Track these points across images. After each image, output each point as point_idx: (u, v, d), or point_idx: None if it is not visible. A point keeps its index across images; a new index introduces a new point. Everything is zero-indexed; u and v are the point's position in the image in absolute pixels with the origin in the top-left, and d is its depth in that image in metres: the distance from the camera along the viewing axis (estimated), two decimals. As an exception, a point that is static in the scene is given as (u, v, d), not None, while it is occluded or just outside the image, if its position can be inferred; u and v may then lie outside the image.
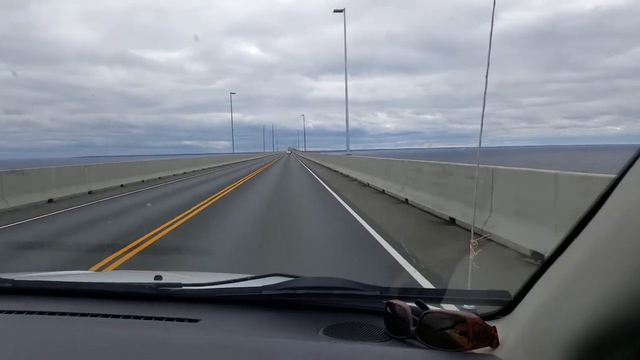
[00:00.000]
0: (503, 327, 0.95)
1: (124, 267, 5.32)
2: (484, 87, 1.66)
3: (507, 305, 0.99)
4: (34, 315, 1.26)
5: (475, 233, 2.36)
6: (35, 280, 1.61)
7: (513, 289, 0.99)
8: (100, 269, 5.09)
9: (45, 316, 1.25)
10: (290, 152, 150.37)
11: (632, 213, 0.63)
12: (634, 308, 0.62)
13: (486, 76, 1.62)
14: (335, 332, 1.13)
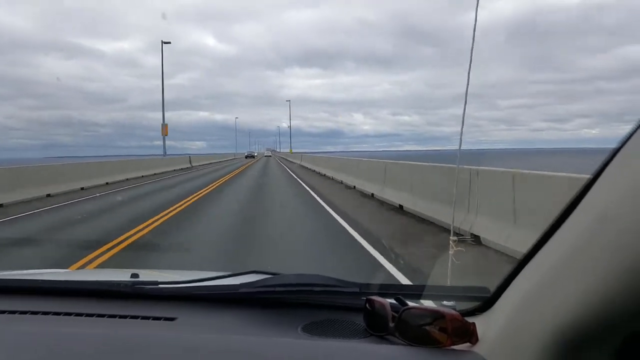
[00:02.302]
0: (482, 323, 0.95)
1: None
2: (465, 87, 1.67)
3: (487, 301, 0.99)
4: (5, 315, 1.22)
5: (455, 233, 2.38)
6: (5, 279, 1.56)
7: (492, 285, 0.99)
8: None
9: (16, 315, 1.22)
10: (270, 154, 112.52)
11: (609, 211, 0.64)
12: (611, 304, 0.62)
13: (468, 75, 1.63)
14: (314, 329, 1.12)
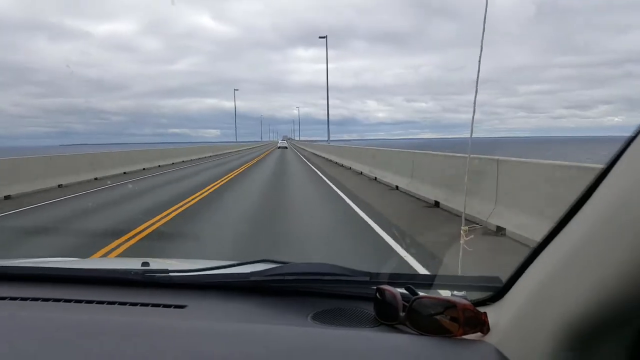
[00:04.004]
0: (494, 313, 0.94)
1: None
2: (477, 73, 1.64)
3: (498, 291, 0.98)
4: (17, 301, 1.24)
5: (466, 220, 2.37)
6: (18, 266, 1.59)
7: (504, 274, 0.98)
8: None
9: (28, 302, 1.24)
10: (285, 144, 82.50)
11: (622, 201, 0.63)
12: (623, 294, 0.61)
13: (479, 61, 1.60)
14: (324, 317, 1.12)
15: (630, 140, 0.66)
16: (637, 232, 0.59)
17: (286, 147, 71.27)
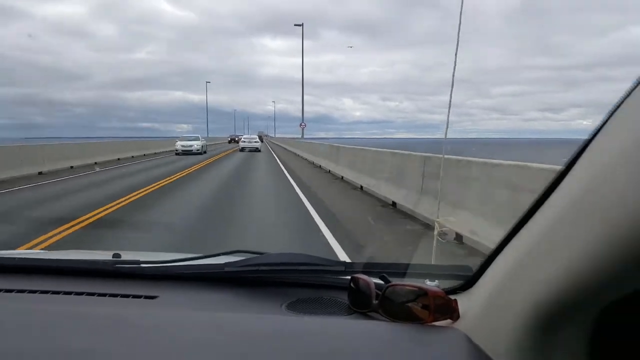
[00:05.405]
0: (464, 301, 0.96)
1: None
2: (452, 73, 1.66)
3: (469, 280, 1.00)
4: None
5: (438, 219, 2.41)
6: None
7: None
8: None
9: None
10: (255, 142, 42.06)
11: (589, 187, 0.64)
12: (590, 278, 0.63)
13: (454, 61, 1.63)
14: (298, 307, 1.12)
15: (603, 124, 0.67)
16: (603, 218, 0.60)
17: (258, 150, 40.66)
